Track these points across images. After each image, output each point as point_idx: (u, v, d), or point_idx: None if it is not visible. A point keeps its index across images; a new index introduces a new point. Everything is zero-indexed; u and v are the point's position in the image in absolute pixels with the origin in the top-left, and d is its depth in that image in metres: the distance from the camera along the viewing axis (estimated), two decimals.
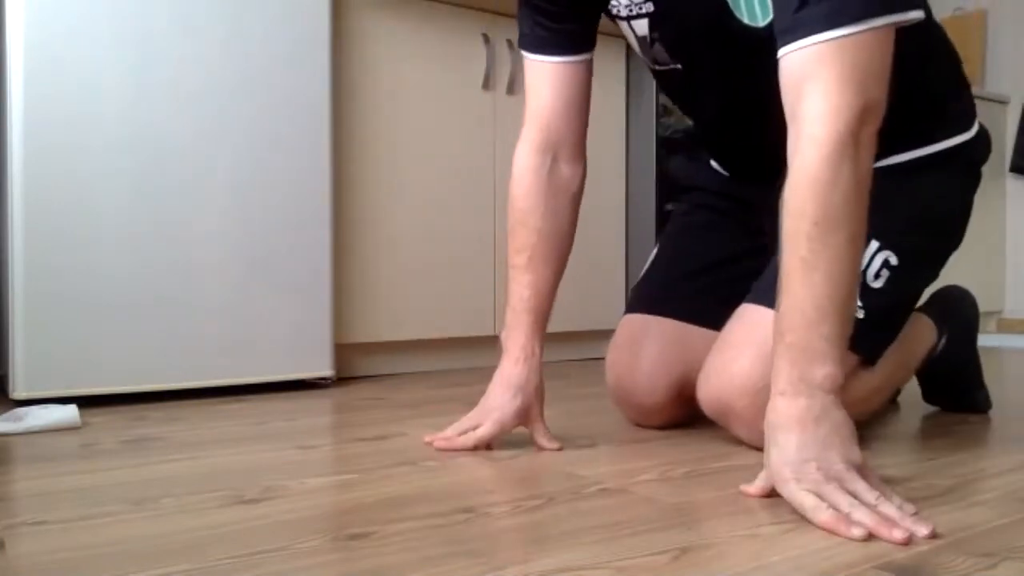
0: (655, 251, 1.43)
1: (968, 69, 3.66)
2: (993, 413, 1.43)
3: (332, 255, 1.74)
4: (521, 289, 1.17)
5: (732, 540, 0.77)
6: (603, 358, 1.37)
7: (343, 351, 1.86)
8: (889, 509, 0.77)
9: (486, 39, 2.03)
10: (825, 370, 0.83)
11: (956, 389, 1.42)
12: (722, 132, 1.29)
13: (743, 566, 0.70)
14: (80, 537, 0.78)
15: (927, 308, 1.38)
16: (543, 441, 1.14)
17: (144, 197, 1.53)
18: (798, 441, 0.81)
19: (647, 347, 1.26)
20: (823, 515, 0.77)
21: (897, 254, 1.10)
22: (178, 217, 1.56)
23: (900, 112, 0.95)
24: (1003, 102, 3.37)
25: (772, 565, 0.70)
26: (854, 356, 1.08)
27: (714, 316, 1.19)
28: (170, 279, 1.56)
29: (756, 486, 0.89)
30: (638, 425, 1.29)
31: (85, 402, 1.47)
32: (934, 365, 1.37)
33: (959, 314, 1.39)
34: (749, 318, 1.11)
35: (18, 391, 1.44)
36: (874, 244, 1.10)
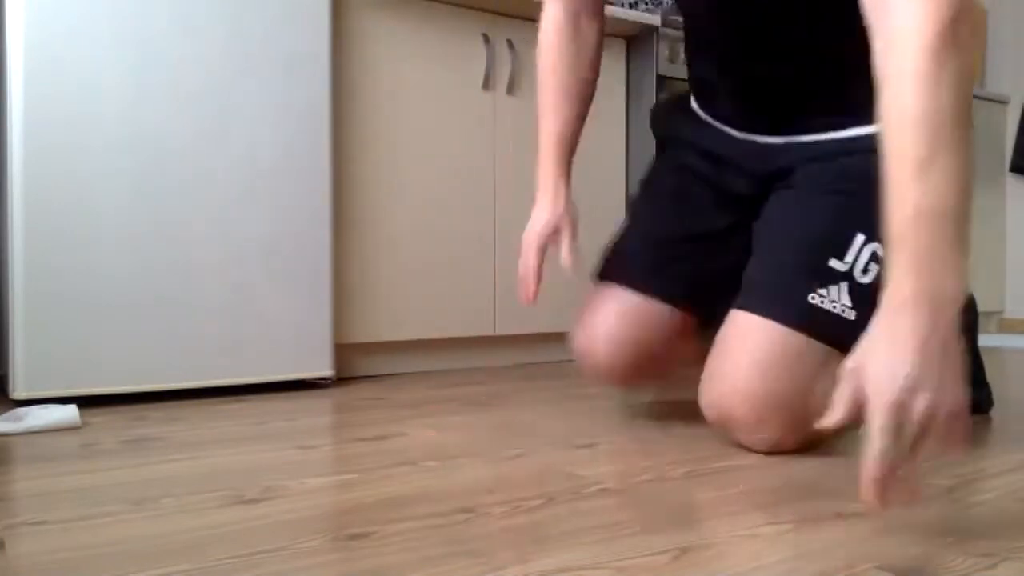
0: (629, 214, 1.44)
1: None
2: (993, 413, 1.43)
3: (332, 255, 1.74)
4: (549, 127, 1.32)
5: (732, 540, 0.77)
6: None
7: (343, 351, 1.86)
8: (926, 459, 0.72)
9: (486, 39, 2.03)
10: (953, 282, 0.74)
11: None
12: (744, 60, 1.23)
13: (743, 566, 0.70)
14: (80, 537, 0.78)
15: None
16: (566, 252, 1.28)
17: (144, 197, 1.53)
18: (905, 358, 0.72)
19: (606, 318, 1.30)
20: (872, 468, 0.70)
21: (884, 243, 1.09)
22: (178, 217, 1.56)
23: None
24: (1003, 102, 3.37)
25: (772, 565, 0.70)
26: (839, 359, 1.08)
27: (677, 291, 1.27)
28: (170, 279, 1.56)
29: (837, 410, 0.76)
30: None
31: (85, 402, 1.47)
32: None
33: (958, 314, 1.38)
34: (744, 325, 1.11)
35: (18, 391, 1.44)
36: (860, 237, 1.09)
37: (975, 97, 3.25)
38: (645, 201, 1.41)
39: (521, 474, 1.02)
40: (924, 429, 0.71)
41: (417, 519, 0.83)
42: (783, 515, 0.83)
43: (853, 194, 1.11)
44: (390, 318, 1.91)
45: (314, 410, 1.50)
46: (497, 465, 1.06)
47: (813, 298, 1.08)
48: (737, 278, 1.18)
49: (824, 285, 1.08)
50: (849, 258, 1.09)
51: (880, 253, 1.08)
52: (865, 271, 1.09)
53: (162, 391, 1.56)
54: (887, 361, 0.73)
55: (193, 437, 1.24)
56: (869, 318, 1.06)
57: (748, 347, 1.08)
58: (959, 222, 0.75)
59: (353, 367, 1.91)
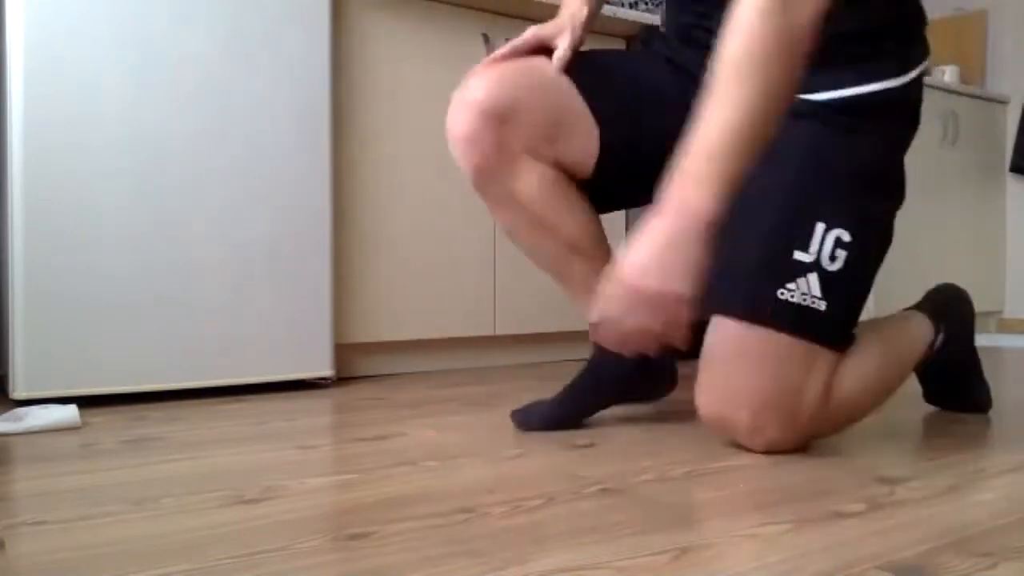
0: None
1: (968, 69, 3.65)
2: (993, 413, 1.43)
3: (332, 255, 1.74)
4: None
5: (732, 540, 0.77)
6: None
7: (343, 351, 1.86)
8: (651, 342, 0.91)
9: (486, 39, 2.03)
10: (705, 201, 0.90)
11: (957, 388, 1.42)
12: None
13: (743, 566, 0.70)
14: (80, 537, 0.78)
15: (922, 305, 1.37)
16: (558, 54, 1.18)
17: (144, 197, 1.53)
18: (652, 251, 0.90)
19: (495, 65, 1.19)
20: (606, 325, 0.92)
21: (847, 228, 1.09)
22: (178, 217, 1.56)
23: (842, 39, 1.04)
24: (1003, 102, 3.37)
25: (772, 565, 0.70)
26: (827, 352, 1.09)
27: (596, 90, 1.20)
28: (170, 279, 1.56)
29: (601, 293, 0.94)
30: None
31: (85, 402, 1.47)
32: (933, 364, 1.37)
33: (955, 311, 1.38)
34: (724, 331, 1.10)
35: (18, 391, 1.44)
36: (820, 227, 1.09)
37: (975, 97, 3.26)
38: (617, 62, 1.33)
39: (521, 474, 1.02)
40: (648, 307, 0.89)
41: (417, 519, 0.83)
42: (783, 515, 0.83)
43: (804, 172, 1.10)
44: (390, 318, 1.91)
45: (314, 410, 1.50)
46: (497, 465, 1.06)
47: (783, 294, 1.08)
48: (656, 136, 1.14)
49: (792, 279, 1.08)
50: (813, 248, 1.09)
51: (845, 238, 1.09)
52: (832, 258, 1.09)
53: (162, 391, 1.56)
54: (632, 252, 0.91)
55: (193, 437, 1.24)
56: (840, 307, 1.10)
57: (732, 354, 1.08)
58: (732, 158, 0.90)
59: (353, 367, 1.91)
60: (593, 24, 1.26)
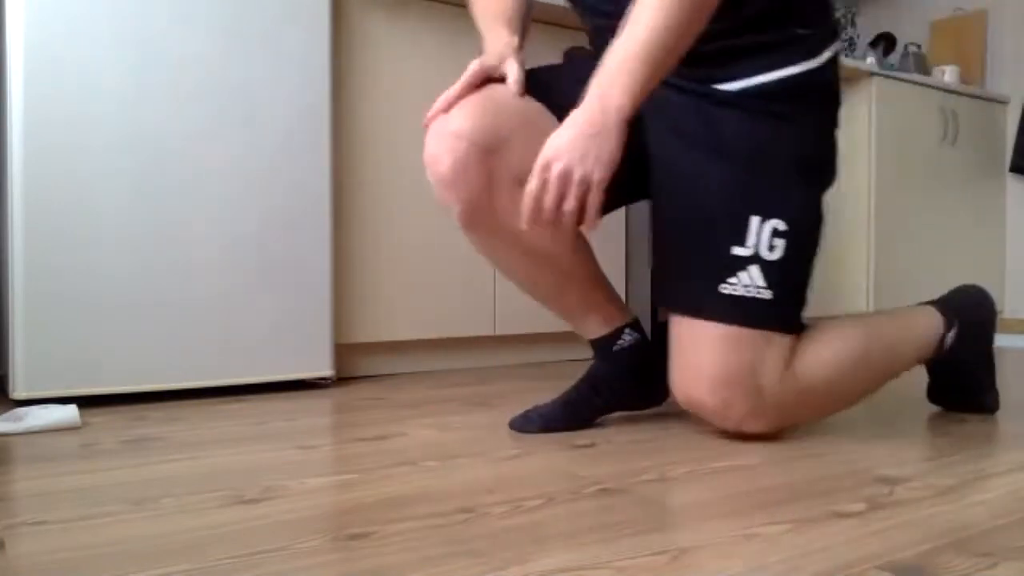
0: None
1: (968, 69, 3.66)
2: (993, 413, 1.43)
3: (332, 255, 1.74)
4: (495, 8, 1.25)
5: (732, 540, 0.77)
6: None
7: (343, 351, 1.86)
8: (568, 216, 1.00)
9: None
10: (619, 99, 1.02)
11: (964, 388, 1.41)
12: None
13: (743, 566, 0.70)
14: (80, 537, 0.78)
15: (938, 300, 1.36)
16: (512, 79, 1.14)
17: (144, 197, 1.53)
18: (572, 137, 1.00)
19: (467, 100, 1.14)
20: (529, 201, 1.01)
21: (781, 217, 1.13)
22: (178, 217, 1.56)
23: (750, 26, 1.13)
24: (1003, 102, 3.37)
25: (772, 565, 0.70)
26: (779, 335, 1.13)
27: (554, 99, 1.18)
28: (170, 279, 1.56)
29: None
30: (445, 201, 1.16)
31: (85, 402, 1.47)
32: (943, 362, 1.36)
33: (973, 311, 1.37)
34: (680, 322, 1.17)
35: (18, 391, 1.44)
36: (755, 220, 1.13)
37: (975, 97, 3.26)
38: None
39: (521, 474, 1.02)
40: (563, 184, 1.00)
41: (417, 519, 0.83)
42: (783, 515, 0.83)
43: (736, 166, 1.14)
44: (390, 318, 1.91)
45: (314, 410, 1.50)
46: (497, 465, 1.06)
47: (725, 288, 1.13)
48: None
49: (734, 273, 1.13)
50: (751, 242, 1.13)
51: (781, 227, 1.13)
52: (771, 248, 1.13)
53: (162, 391, 1.56)
54: (554, 137, 1.02)
55: (193, 437, 1.24)
56: (784, 291, 1.15)
57: (689, 341, 1.15)
58: (644, 66, 1.02)
59: (353, 367, 1.91)
60: (524, 49, 1.24)
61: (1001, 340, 2.98)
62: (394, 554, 0.73)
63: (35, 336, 1.45)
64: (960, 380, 1.41)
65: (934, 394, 1.45)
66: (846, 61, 2.79)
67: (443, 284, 1.99)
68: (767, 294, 1.13)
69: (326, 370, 1.74)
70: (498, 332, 2.08)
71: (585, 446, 1.17)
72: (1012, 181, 3.39)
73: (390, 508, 0.87)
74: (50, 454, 1.12)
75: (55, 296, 1.46)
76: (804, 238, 1.17)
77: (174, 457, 1.11)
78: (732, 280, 1.13)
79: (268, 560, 0.71)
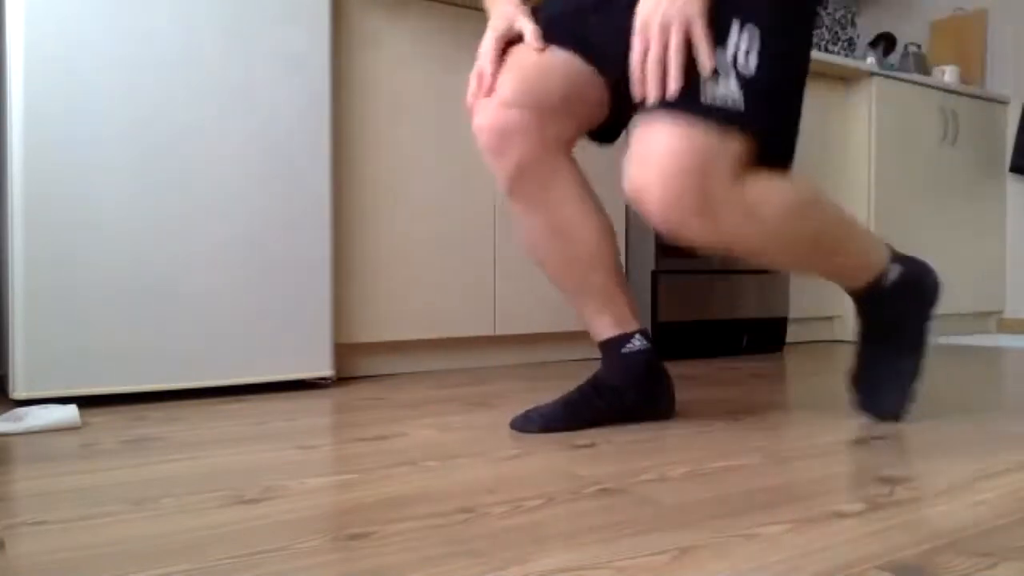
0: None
1: (968, 69, 3.66)
2: (993, 413, 1.43)
3: (332, 255, 1.74)
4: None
5: (732, 540, 0.77)
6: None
7: (343, 351, 1.86)
8: (674, 68, 1.08)
9: None
10: None
11: (889, 330, 1.34)
12: None
13: (743, 566, 0.70)
14: (80, 537, 0.78)
15: (892, 250, 1.34)
16: (531, 37, 1.24)
17: (144, 197, 1.53)
18: None
19: (509, 69, 1.26)
20: (637, 64, 1.09)
21: (758, 25, 1.12)
22: (177, 218, 1.56)
23: None
24: (1003, 102, 3.37)
25: (772, 565, 0.70)
26: (738, 138, 1.10)
27: (585, 47, 1.26)
28: (170, 280, 1.56)
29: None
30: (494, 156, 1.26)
31: (85, 402, 1.47)
32: (874, 298, 1.31)
33: (919, 272, 1.34)
34: (651, 116, 1.12)
35: (18, 391, 1.44)
36: (736, 22, 1.11)
37: (975, 97, 3.26)
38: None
39: (521, 474, 1.02)
40: (665, 32, 1.08)
41: (417, 519, 0.83)
42: (783, 515, 0.83)
43: None
44: (390, 318, 1.91)
45: (314, 410, 1.50)
46: (497, 465, 1.06)
47: (705, 89, 1.10)
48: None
49: (714, 77, 1.10)
50: (731, 43, 1.11)
51: (756, 36, 1.11)
52: (747, 54, 1.11)
53: (162, 391, 1.56)
54: (642, 4, 1.10)
55: (193, 437, 1.24)
56: (763, 111, 1.13)
57: (653, 134, 1.10)
58: None
59: (353, 367, 1.91)
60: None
61: (1001, 340, 2.98)
62: (394, 554, 0.73)
63: (35, 336, 1.45)
64: (886, 320, 1.34)
65: (860, 346, 1.38)
66: (846, 61, 2.79)
67: (443, 284, 1.99)
68: (740, 106, 1.10)
69: (326, 370, 1.74)
70: (498, 332, 2.08)
71: (585, 446, 1.17)
72: (1012, 181, 3.39)
73: (390, 508, 0.87)
74: (50, 454, 1.12)
75: (55, 296, 1.46)
76: (778, 59, 1.14)
77: (174, 457, 1.11)
78: (711, 84, 1.10)
79: (268, 560, 0.71)
